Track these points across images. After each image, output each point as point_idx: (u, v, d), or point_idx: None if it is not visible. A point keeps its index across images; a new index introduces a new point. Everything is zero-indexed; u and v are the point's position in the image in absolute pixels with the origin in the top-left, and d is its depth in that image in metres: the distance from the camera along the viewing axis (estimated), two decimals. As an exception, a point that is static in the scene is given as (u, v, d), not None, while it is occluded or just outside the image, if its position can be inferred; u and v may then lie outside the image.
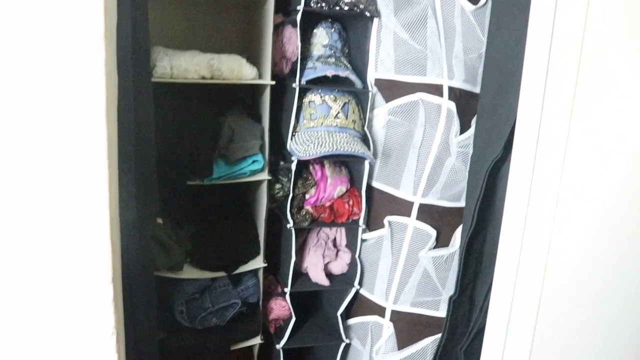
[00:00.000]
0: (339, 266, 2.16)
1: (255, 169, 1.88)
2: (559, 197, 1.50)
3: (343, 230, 2.22)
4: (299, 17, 1.84)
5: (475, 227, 1.87)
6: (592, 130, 1.45)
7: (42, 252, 0.97)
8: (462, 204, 2.00)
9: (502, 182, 1.84)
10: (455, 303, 1.92)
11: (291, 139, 1.94)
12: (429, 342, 2.11)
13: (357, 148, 1.87)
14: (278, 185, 1.98)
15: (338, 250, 2.20)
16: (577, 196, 1.50)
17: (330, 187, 2.01)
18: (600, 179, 1.49)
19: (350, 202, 2.05)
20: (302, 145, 1.89)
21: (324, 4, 1.86)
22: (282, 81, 1.96)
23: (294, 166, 1.93)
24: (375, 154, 2.01)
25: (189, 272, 1.94)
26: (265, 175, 1.92)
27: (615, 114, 1.45)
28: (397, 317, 2.13)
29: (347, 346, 2.26)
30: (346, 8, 1.87)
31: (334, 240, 2.22)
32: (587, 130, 1.44)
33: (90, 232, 1.00)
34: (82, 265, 1.01)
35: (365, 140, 1.99)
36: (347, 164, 2.13)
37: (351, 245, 2.16)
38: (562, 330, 1.62)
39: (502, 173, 1.84)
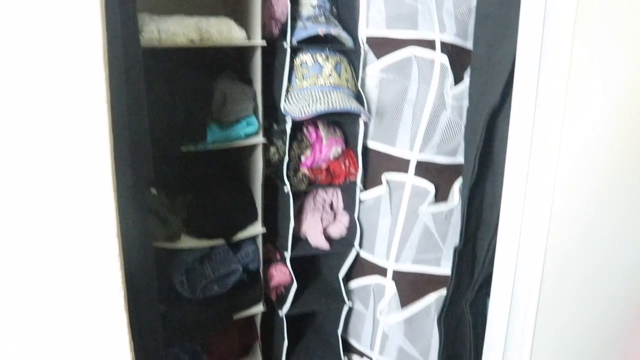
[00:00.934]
0: (338, 230, 2.14)
1: (249, 132, 1.85)
2: (562, 142, 1.48)
3: (340, 193, 2.20)
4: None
5: (474, 181, 1.85)
6: (594, 72, 1.44)
7: (46, 215, 0.95)
8: (458, 159, 1.99)
9: (499, 132, 1.83)
10: (459, 254, 1.91)
11: (285, 101, 1.90)
12: (432, 300, 2.10)
13: (353, 105, 1.84)
14: (273, 149, 1.94)
15: (336, 214, 2.17)
16: (579, 139, 1.49)
17: (326, 147, 1.98)
18: (604, 119, 1.48)
19: (347, 163, 2.03)
20: (296, 105, 1.85)
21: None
22: (272, 43, 1.92)
23: (288, 128, 1.89)
24: (369, 114, 1.98)
25: (187, 242, 1.90)
26: (260, 139, 1.88)
27: (617, 53, 1.44)
28: (399, 276, 2.11)
29: (350, 310, 2.25)
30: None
31: (331, 205, 2.20)
32: (588, 73, 1.43)
33: (94, 202, 0.98)
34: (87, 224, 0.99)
35: (359, 99, 1.96)
36: (341, 125, 2.10)
37: (349, 207, 2.14)
38: (570, 275, 1.62)
39: (498, 123, 1.83)
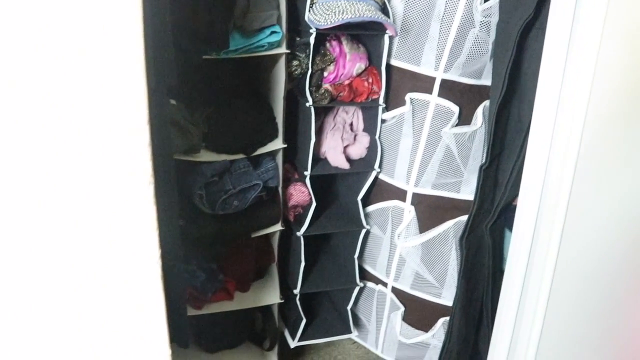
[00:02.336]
0: (358, 150, 2.11)
1: (273, 40, 1.79)
2: (599, 61, 1.43)
3: (360, 114, 2.16)
4: None
5: (503, 98, 1.81)
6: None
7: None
8: (483, 81, 1.95)
9: (528, 51, 1.78)
10: (485, 172, 1.88)
11: (309, 10, 1.84)
12: (451, 225, 2.09)
13: (380, 15, 1.78)
14: (295, 62, 1.89)
15: (356, 135, 2.14)
16: (619, 59, 1.43)
17: (350, 63, 1.93)
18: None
19: (370, 80, 1.98)
20: (321, 15, 1.80)
21: None
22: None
23: (312, 39, 1.84)
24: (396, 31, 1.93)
25: (207, 156, 1.87)
26: (283, 49, 1.83)
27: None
28: (418, 200, 2.09)
29: (367, 234, 2.23)
30: None
31: (351, 125, 2.16)
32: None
33: (127, 110, 0.95)
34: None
35: (384, 12, 1.90)
36: (365, 41, 2.05)
37: (370, 128, 2.10)
38: (598, 202, 1.59)
39: (528, 42, 1.78)
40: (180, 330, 1.80)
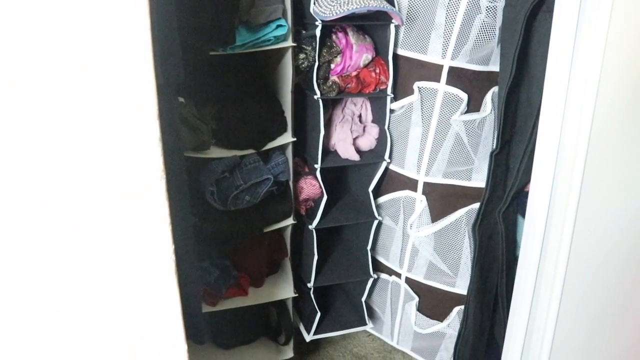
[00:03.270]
0: (367, 141, 2.10)
1: (279, 34, 1.78)
2: (608, 34, 1.41)
3: (368, 105, 2.15)
4: None
5: (512, 82, 1.80)
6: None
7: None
8: (491, 67, 1.93)
9: (536, 35, 1.77)
10: (496, 158, 1.87)
11: (314, 3, 1.84)
12: (463, 213, 2.08)
13: (386, 5, 1.77)
14: (302, 55, 1.89)
15: (365, 126, 2.13)
16: (628, 37, 1.41)
17: (356, 54, 1.92)
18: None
19: (377, 71, 1.97)
20: (326, 7, 1.79)
21: None
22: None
23: (318, 32, 1.83)
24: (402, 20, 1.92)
25: (217, 152, 1.87)
26: (289, 43, 1.82)
27: None
28: (429, 189, 2.08)
29: (380, 224, 2.23)
30: None
31: (360, 117, 2.15)
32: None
33: (135, 104, 0.95)
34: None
35: (390, 1, 1.89)
36: (371, 31, 2.04)
37: (378, 119, 2.10)
38: (609, 183, 1.57)
39: (535, 25, 1.76)
40: (196, 327, 1.81)
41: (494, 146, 1.88)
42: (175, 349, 1.22)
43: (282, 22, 1.79)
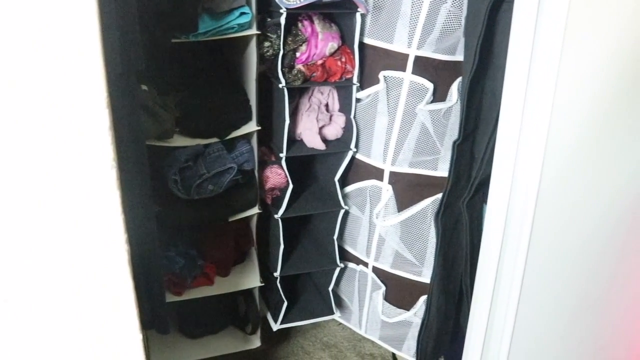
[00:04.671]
0: (334, 130, 2.10)
1: (243, 22, 1.77)
2: (567, 33, 1.42)
3: (335, 94, 2.14)
4: None
5: (475, 73, 1.80)
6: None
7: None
8: (457, 57, 1.93)
9: (501, 25, 1.77)
10: (459, 148, 1.87)
11: (278, -10, 1.82)
12: (429, 203, 2.08)
13: (350, -7, 1.77)
14: (267, 43, 1.87)
15: (331, 116, 2.13)
16: (586, 29, 1.42)
17: (322, 42, 1.92)
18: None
19: (343, 60, 1.97)
20: (290, -6, 1.78)
21: None
22: None
23: (282, 20, 1.82)
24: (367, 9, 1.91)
25: (180, 141, 1.85)
26: (254, 30, 1.81)
27: None
28: (395, 178, 2.09)
29: (346, 214, 2.23)
30: None
31: (326, 106, 2.15)
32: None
33: (83, 91, 0.93)
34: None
35: (355, -11, 1.89)
36: (337, 20, 2.03)
37: (345, 108, 2.09)
38: (570, 177, 1.58)
39: (500, 15, 1.77)
40: (160, 316, 1.80)
41: (457, 136, 1.88)
42: (130, 338, 1.21)
43: (246, 9, 1.78)
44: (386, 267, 2.23)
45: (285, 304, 2.21)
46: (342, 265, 2.26)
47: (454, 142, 1.87)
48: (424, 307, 2.21)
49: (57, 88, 0.93)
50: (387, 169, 2.07)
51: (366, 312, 2.39)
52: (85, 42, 0.92)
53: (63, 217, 1.02)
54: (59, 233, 1.03)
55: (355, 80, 1.99)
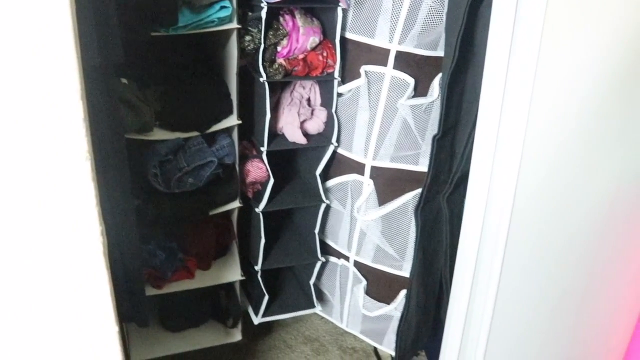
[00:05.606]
0: (315, 125, 2.10)
1: (223, 15, 1.76)
2: (545, 28, 1.43)
3: (317, 89, 2.15)
4: None
5: (455, 68, 1.81)
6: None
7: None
8: (439, 52, 1.94)
9: (481, 20, 1.78)
10: (438, 143, 1.88)
11: (259, -16, 1.82)
12: (410, 197, 2.09)
13: (331, -13, 1.77)
14: (248, 37, 1.87)
15: (313, 110, 2.13)
16: (565, 28, 1.43)
17: (303, 37, 1.92)
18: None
19: (324, 54, 1.97)
20: (271, -12, 1.78)
21: None
22: None
23: (264, 14, 1.82)
24: (348, 1, 1.92)
25: (160, 134, 1.85)
26: (234, 24, 1.80)
27: None
28: (377, 173, 2.09)
29: (328, 208, 2.24)
30: None
31: (308, 100, 2.15)
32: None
33: (56, 86, 0.93)
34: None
35: (337, -16, 1.89)
36: (319, 14, 2.03)
37: (326, 102, 2.10)
38: (549, 171, 1.60)
39: (481, 11, 1.77)
40: (139, 309, 1.80)
41: (437, 130, 1.89)
42: (106, 330, 1.21)
43: (227, 3, 1.77)
44: (367, 261, 2.24)
45: (267, 297, 2.21)
46: (323, 259, 2.26)
47: (434, 137, 1.88)
48: (404, 302, 2.22)
49: (29, 78, 0.92)
50: (369, 163, 2.08)
51: (347, 306, 2.40)
52: (58, 32, 0.92)
53: (36, 208, 1.02)
54: (31, 224, 1.03)
55: (336, 74, 2.00)
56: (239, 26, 1.81)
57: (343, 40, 1.99)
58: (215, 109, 1.91)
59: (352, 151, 2.11)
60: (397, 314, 2.26)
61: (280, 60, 1.93)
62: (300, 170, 2.32)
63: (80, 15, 1.01)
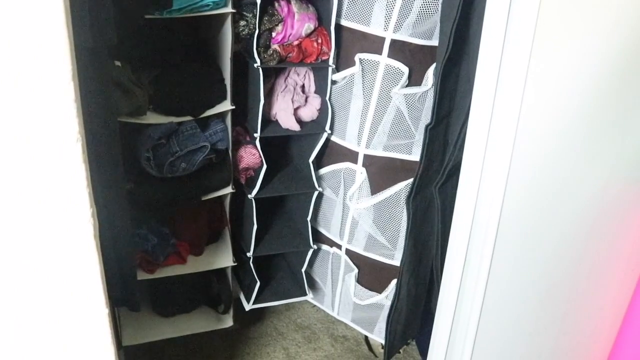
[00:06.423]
0: (309, 112, 2.10)
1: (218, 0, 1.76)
2: (538, 22, 1.43)
3: (311, 76, 2.14)
4: None
5: (449, 58, 1.81)
6: None
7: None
8: (434, 42, 1.94)
9: (477, 10, 1.78)
10: (431, 132, 1.88)
11: (255, -32, 1.81)
12: (403, 186, 2.10)
13: (327, -27, 1.76)
14: (242, 22, 1.86)
15: (307, 97, 2.13)
16: (559, 20, 1.43)
17: (298, 23, 1.91)
18: None
19: (319, 41, 1.96)
20: (267, -27, 1.77)
21: None
22: None
23: (258, -1, 1.81)
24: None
25: (153, 118, 1.84)
26: (229, 9, 1.79)
27: None
28: (370, 161, 2.09)
29: (320, 195, 2.24)
30: None
31: (302, 87, 2.14)
32: None
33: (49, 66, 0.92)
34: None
35: (332, -30, 1.88)
36: (314, 1, 2.02)
37: (321, 90, 2.09)
38: (540, 164, 1.60)
39: (476, 2, 1.77)
40: (130, 293, 1.80)
41: (429, 120, 1.89)
42: (96, 312, 1.21)
43: (221, -13, 1.76)
44: (359, 249, 2.24)
45: (258, 284, 2.22)
46: (315, 246, 2.27)
47: (427, 126, 1.88)
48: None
49: (19, 59, 0.92)
50: (362, 151, 2.08)
51: (339, 294, 2.40)
52: (50, 13, 0.92)
53: (26, 189, 1.02)
54: (21, 206, 1.03)
55: (331, 62, 1.99)
56: (233, 10, 1.80)
57: (338, 27, 1.98)
58: (209, 94, 1.90)
59: (346, 139, 2.11)
60: (388, 303, 2.27)
61: (275, 46, 1.92)
62: (294, 157, 2.32)
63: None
